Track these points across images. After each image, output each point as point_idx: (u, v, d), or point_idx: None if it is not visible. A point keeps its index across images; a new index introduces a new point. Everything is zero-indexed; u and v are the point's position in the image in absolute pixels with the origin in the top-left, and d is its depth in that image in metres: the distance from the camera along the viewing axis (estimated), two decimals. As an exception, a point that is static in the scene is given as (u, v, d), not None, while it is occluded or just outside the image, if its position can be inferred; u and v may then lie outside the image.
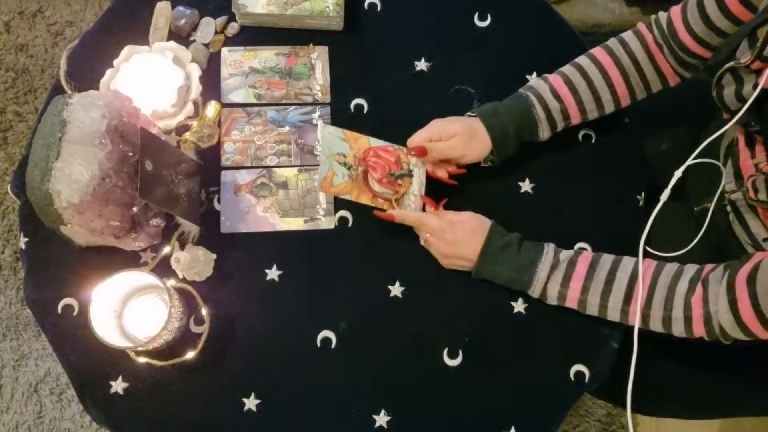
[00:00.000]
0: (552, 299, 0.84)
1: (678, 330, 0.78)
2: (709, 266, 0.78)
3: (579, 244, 0.91)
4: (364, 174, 0.86)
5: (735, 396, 0.97)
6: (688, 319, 0.76)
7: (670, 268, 0.79)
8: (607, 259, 0.82)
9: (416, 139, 0.88)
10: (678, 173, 0.84)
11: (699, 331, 0.76)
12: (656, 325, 0.79)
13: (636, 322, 0.79)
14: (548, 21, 1.05)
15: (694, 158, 0.83)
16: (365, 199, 0.86)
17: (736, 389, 0.96)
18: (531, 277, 0.83)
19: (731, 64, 0.78)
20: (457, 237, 0.84)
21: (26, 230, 0.88)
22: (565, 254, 0.83)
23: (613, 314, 0.81)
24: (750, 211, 0.85)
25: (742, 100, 0.79)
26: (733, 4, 0.79)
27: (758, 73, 0.75)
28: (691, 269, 0.78)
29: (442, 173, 0.90)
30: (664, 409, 1.00)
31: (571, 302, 0.83)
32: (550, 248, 0.84)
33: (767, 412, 1.00)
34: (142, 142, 0.79)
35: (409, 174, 0.88)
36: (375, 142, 0.89)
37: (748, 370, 0.95)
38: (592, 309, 0.82)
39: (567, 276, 0.82)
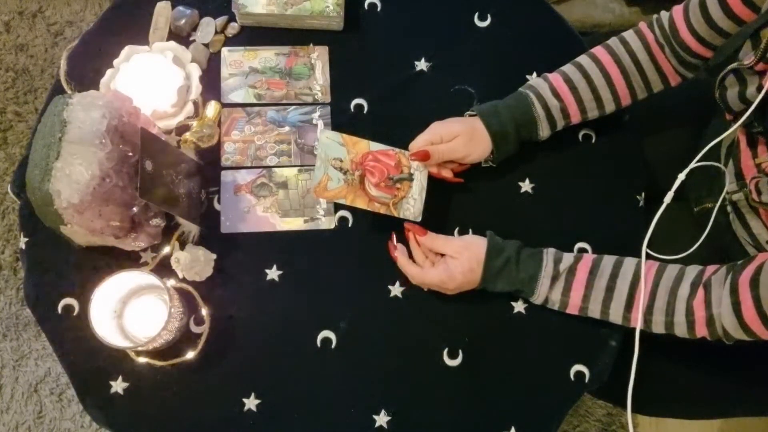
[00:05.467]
0: (554, 306, 0.84)
1: (680, 332, 0.78)
2: (710, 268, 0.78)
3: (579, 244, 0.91)
4: (360, 178, 0.86)
5: (735, 396, 0.97)
6: (690, 323, 0.76)
7: (671, 271, 0.79)
8: (607, 263, 0.82)
9: (418, 143, 0.88)
10: (681, 176, 0.84)
11: (702, 332, 0.76)
12: (659, 329, 0.79)
13: (638, 326, 0.79)
14: (548, 21, 1.05)
15: (697, 161, 0.83)
16: (361, 203, 0.86)
17: (736, 389, 0.96)
18: (532, 290, 0.83)
19: (734, 65, 0.78)
20: (458, 283, 0.84)
21: (26, 230, 0.88)
22: (565, 262, 0.82)
23: (615, 319, 0.81)
24: (751, 211, 0.85)
25: (745, 101, 0.79)
26: (736, 4, 0.79)
27: (762, 74, 0.75)
28: (692, 272, 0.78)
29: (447, 173, 0.91)
30: (664, 409, 1.00)
31: (573, 309, 0.83)
32: (549, 258, 0.83)
33: (767, 412, 1.00)
34: (142, 142, 0.79)
35: (409, 178, 0.88)
36: (375, 146, 0.88)
37: (749, 370, 0.95)
38: (594, 315, 0.82)
39: (567, 286, 0.82)
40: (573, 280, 0.81)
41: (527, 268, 0.82)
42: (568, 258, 0.83)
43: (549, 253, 0.83)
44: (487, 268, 0.83)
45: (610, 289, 0.80)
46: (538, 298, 0.84)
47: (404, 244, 0.88)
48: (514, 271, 0.82)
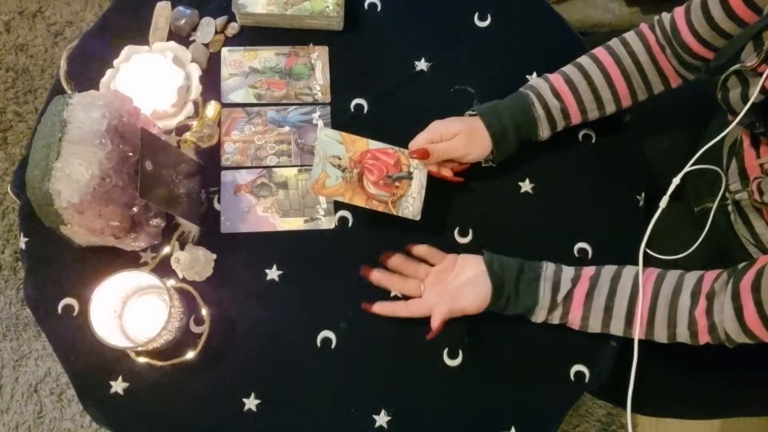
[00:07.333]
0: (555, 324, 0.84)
1: (683, 340, 0.78)
2: (709, 276, 0.77)
3: (579, 245, 0.91)
4: (359, 176, 0.86)
5: (735, 396, 0.97)
6: (693, 333, 0.76)
7: (670, 280, 0.79)
8: (604, 280, 0.81)
9: (418, 141, 0.88)
10: (676, 180, 0.84)
11: (704, 339, 0.76)
12: (661, 340, 0.79)
13: (636, 337, 0.79)
14: (548, 21, 1.05)
15: (692, 164, 0.83)
16: (359, 201, 0.86)
17: (736, 389, 0.96)
18: (530, 318, 0.83)
19: (737, 66, 0.78)
20: (463, 290, 0.84)
21: (26, 230, 0.88)
22: (563, 289, 0.81)
23: (616, 333, 0.81)
24: (754, 211, 0.85)
25: (747, 102, 0.78)
26: (738, 6, 0.79)
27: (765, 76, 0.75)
28: (690, 280, 0.78)
29: (446, 172, 0.91)
30: (664, 409, 1.00)
31: (573, 327, 0.83)
32: (546, 287, 0.81)
33: (767, 412, 1.00)
34: (142, 142, 0.79)
35: (409, 176, 0.88)
36: (374, 145, 0.88)
37: (749, 370, 0.94)
38: (595, 330, 0.82)
39: (566, 311, 0.81)
40: (570, 305, 0.81)
41: (525, 303, 0.82)
42: (566, 282, 0.81)
43: (546, 280, 0.81)
44: (491, 307, 0.83)
45: (608, 308, 0.80)
46: (537, 321, 0.83)
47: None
48: (512, 306, 0.82)
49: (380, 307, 0.85)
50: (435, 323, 0.81)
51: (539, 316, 0.82)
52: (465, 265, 0.84)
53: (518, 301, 0.82)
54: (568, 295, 0.81)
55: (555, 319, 0.82)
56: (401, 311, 0.84)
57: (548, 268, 0.83)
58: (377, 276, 0.86)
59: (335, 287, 0.88)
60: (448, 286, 0.83)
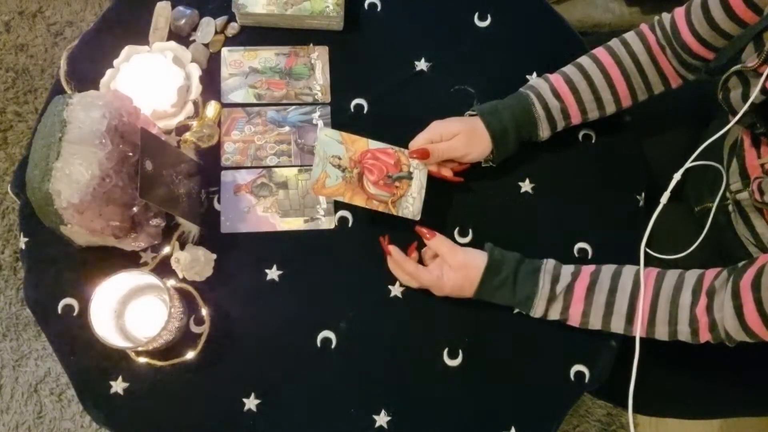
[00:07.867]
0: (554, 319, 0.84)
1: (684, 338, 0.78)
2: (709, 273, 0.77)
3: (579, 245, 0.91)
4: (359, 176, 0.86)
5: (736, 396, 0.97)
6: (694, 330, 0.76)
7: (671, 278, 0.79)
8: (605, 277, 0.81)
9: (418, 141, 0.88)
10: (677, 176, 0.84)
11: (705, 337, 0.76)
12: (662, 338, 0.79)
13: (637, 335, 0.79)
14: (548, 21, 1.05)
15: (693, 161, 0.83)
16: (359, 201, 0.86)
17: (736, 389, 0.96)
18: (528, 309, 0.83)
19: (738, 67, 0.78)
20: (445, 293, 0.84)
21: (26, 230, 0.88)
22: (563, 281, 0.81)
23: (617, 331, 0.81)
24: (755, 211, 0.85)
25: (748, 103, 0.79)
26: (738, 6, 0.79)
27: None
28: (691, 278, 0.78)
29: (446, 172, 0.91)
30: (664, 409, 1.00)
31: (573, 323, 0.83)
32: (546, 278, 0.81)
33: (767, 412, 1.00)
34: (142, 142, 0.79)
35: (409, 176, 0.88)
36: (374, 145, 0.88)
37: (749, 370, 0.95)
38: (595, 327, 0.82)
39: (566, 305, 0.81)
40: (571, 299, 0.81)
41: (524, 290, 0.82)
42: (566, 275, 0.81)
43: (546, 272, 0.82)
44: (483, 286, 0.82)
45: (609, 304, 0.80)
46: (535, 315, 0.83)
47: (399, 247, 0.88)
48: (510, 291, 0.82)
49: (395, 252, 0.86)
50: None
51: (538, 308, 0.82)
52: (469, 249, 0.85)
53: (516, 287, 0.82)
54: (569, 289, 0.81)
55: (555, 313, 0.82)
56: (408, 267, 0.84)
57: (548, 262, 0.83)
58: (395, 251, 0.86)
59: (335, 287, 0.88)
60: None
